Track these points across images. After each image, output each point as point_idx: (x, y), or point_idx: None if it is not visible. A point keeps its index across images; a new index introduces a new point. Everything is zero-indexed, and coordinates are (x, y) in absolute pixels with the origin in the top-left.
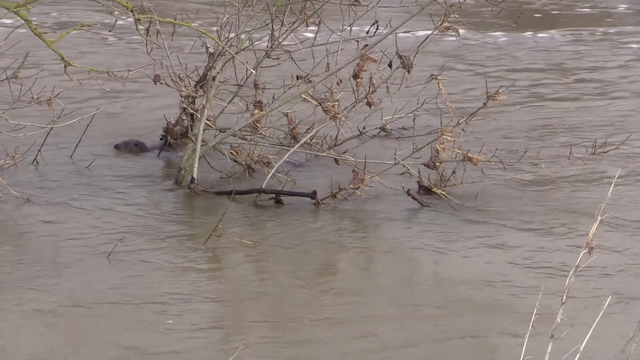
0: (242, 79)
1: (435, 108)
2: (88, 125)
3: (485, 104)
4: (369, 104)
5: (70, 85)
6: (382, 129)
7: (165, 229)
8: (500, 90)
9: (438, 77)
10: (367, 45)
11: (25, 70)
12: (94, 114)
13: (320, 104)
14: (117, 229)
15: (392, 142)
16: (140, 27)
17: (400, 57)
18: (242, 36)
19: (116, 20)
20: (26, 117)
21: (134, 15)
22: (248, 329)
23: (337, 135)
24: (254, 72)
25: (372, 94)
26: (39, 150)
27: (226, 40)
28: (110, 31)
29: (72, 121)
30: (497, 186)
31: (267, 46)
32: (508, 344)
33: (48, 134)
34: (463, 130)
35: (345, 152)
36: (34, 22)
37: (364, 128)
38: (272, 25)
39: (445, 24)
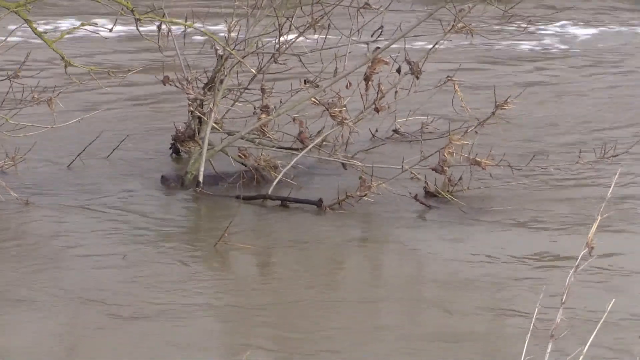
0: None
1: (451, 111)
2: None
3: (493, 113)
4: (377, 110)
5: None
6: (396, 131)
7: (170, 232)
8: (509, 100)
9: (453, 79)
10: (379, 47)
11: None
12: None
13: (328, 109)
14: (121, 233)
15: (402, 146)
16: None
17: (409, 63)
18: (251, 39)
19: (116, 20)
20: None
21: (134, 15)
22: (254, 334)
23: (341, 142)
24: (254, 71)
25: (380, 100)
26: (78, 156)
27: (234, 43)
28: (110, 31)
29: (72, 121)
30: (504, 187)
31: (274, 49)
32: (511, 345)
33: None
34: (476, 131)
35: (353, 157)
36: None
37: (376, 131)
38: (280, 30)
39: (455, 29)
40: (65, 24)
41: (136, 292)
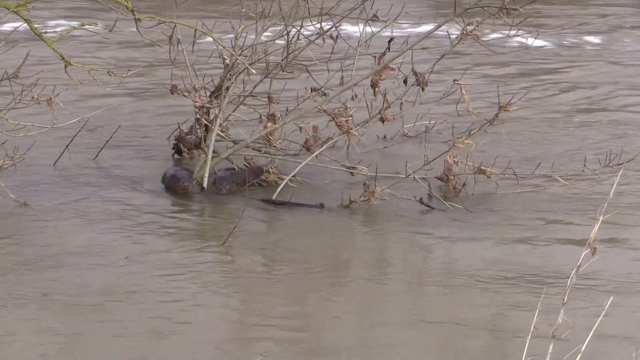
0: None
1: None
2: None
3: (497, 115)
4: (382, 120)
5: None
6: (404, 135)
7: (174, 233)
8: (513, 101)
9: (460, 82)
10: (384, 54)
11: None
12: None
13: (334, 119)
14: (123, 234)
15: (408, 147)
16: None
17: (415, 74)
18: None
19: (116, 20)
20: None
21: (134, 15)
22: (262, 333)
23: (345, 149)
24: (254, 71)
25: (385, 109)
26: (66, 147)
27: (240, 50)
28: (110, 31)
29: (72, 121)
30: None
31: (282, 60)
32: (512, 345)
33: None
34: (486, 130)
35: (360, 162)
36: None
37: (384, 137)
38: (288, 38)
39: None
40: None
41: (139, 293)
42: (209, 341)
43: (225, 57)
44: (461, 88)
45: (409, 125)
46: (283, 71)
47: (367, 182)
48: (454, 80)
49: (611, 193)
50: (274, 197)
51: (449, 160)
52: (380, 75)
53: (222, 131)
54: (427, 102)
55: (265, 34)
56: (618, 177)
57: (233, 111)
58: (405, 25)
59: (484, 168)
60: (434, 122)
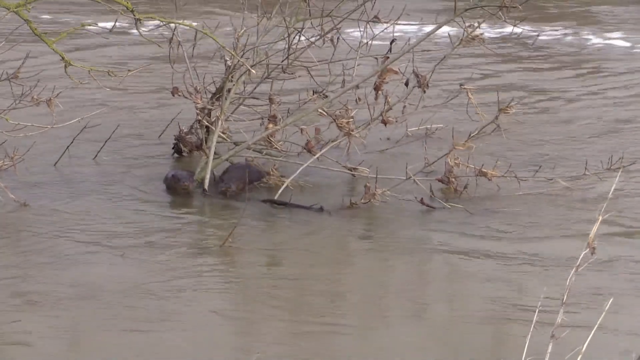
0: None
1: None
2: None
3: (497, 117)
4: (384, 122)
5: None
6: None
7: (174, 234)
8: (512, 104)
9: (467, 87)
10: (388, 57)
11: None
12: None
13: (335, 120)
14: (123, 233)
15: (414, 149)
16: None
17: (416, 75)
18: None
19: (116, 20)
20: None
21: (134, 15)
22: (261, 334)
23: (346, 151)
24: (253, 71)
25: (387, 112)
26: (66, 149)
27: (242, 52)
28: (110, 31)
29: (72, 121)
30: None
31: (282, 60)
32: (512, 344)
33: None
34: (491, 133)
35: (361, 163)
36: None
37: (387, 139)
38: (289, 40)
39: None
40: None
41: (138, 293)
42: (208, 341)
43: (227, 58)
44: (468, 92)
45: (413, 129)
46: (284, 72)
47: (367, 184)
48: (460, 85)
49: (610, 193)
50: (275, 198)
51: (450, 162)
52: (384, 79)
53: (223, 132)
54: (435, 104)
55: (266, 35)
56: (617, 178)
57: (232, 112)
58: (407, 26)
59: (485, 170)
60: (440, 125)
